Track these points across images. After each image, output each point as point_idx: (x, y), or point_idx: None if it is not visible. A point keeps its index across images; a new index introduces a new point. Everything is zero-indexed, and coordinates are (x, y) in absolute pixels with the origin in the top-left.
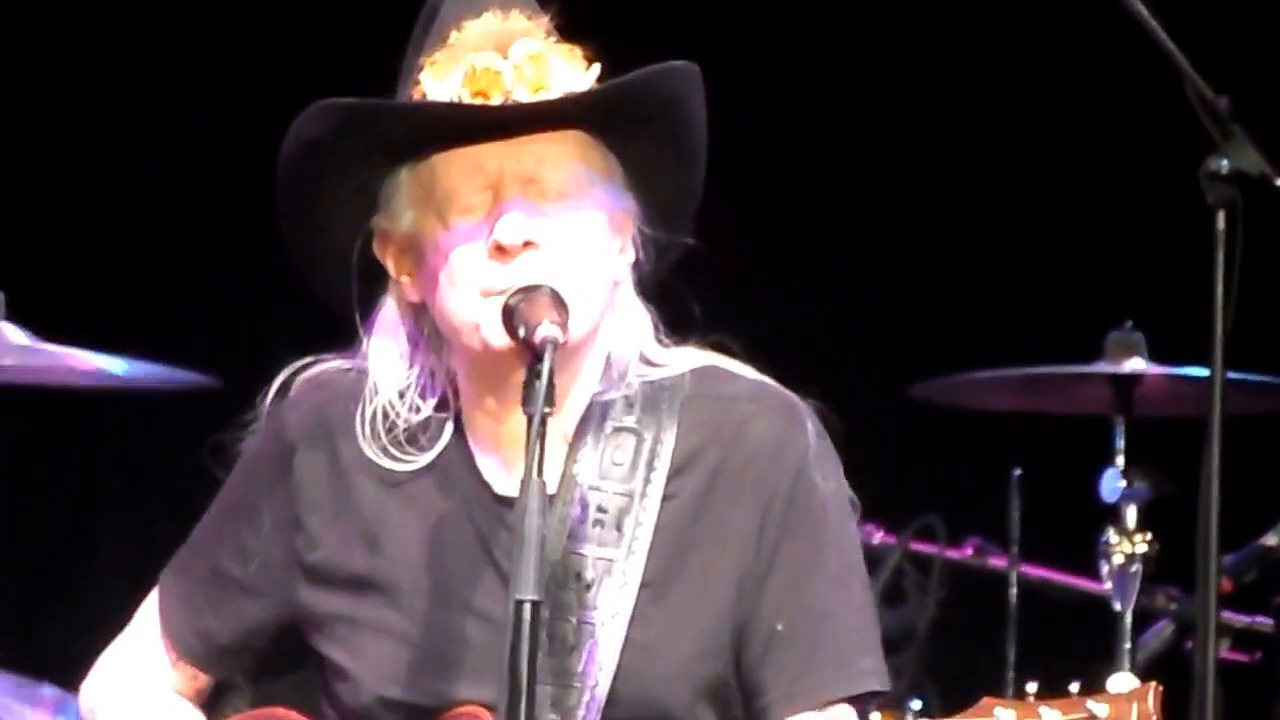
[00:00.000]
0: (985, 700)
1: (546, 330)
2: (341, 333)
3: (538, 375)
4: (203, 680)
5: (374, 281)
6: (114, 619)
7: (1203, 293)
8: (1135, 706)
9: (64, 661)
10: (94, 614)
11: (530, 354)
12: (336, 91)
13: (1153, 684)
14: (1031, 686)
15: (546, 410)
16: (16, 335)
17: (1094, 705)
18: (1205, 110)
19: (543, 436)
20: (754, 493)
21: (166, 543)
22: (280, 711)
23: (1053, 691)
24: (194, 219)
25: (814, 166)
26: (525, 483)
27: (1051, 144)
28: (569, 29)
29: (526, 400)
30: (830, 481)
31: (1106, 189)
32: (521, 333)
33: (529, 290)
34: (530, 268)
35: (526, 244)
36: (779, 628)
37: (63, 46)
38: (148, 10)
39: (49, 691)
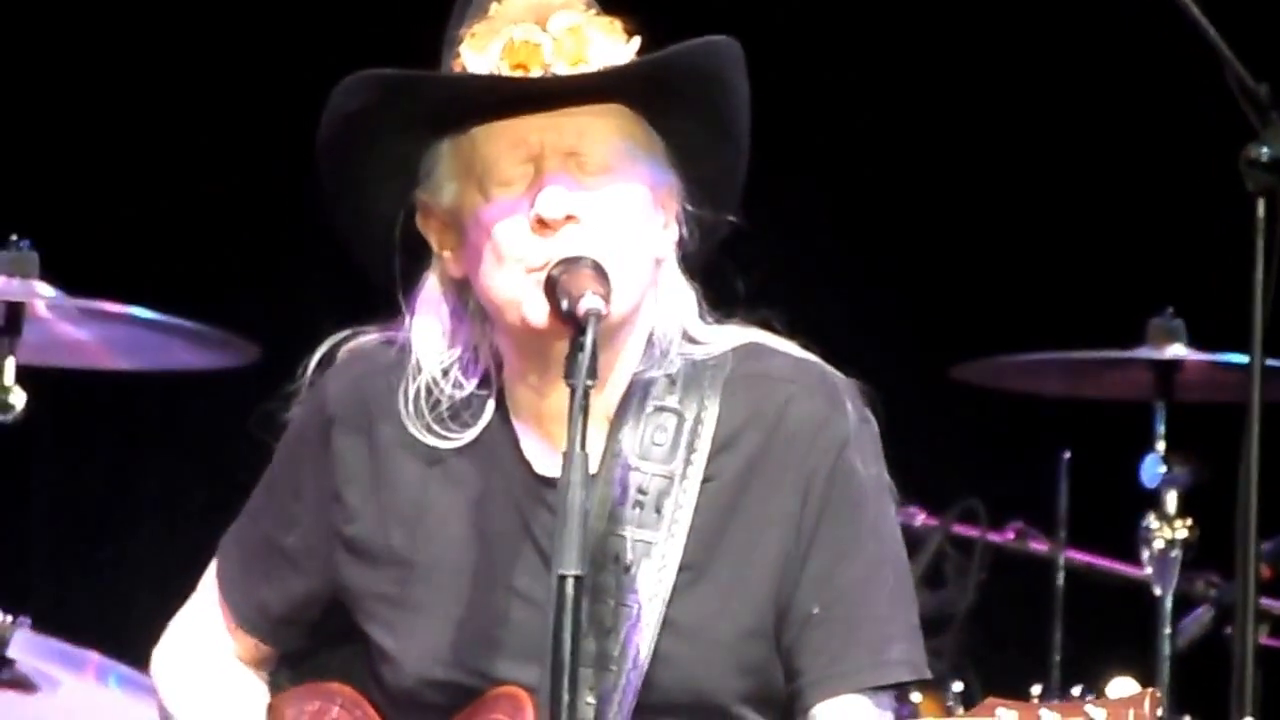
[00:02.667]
0: (989, 700)
1: (589, 302)
2: (384, 303)
3: (580, 347)
4: (264, 650)
5: (418, 256)
6: (153, 585)
7: (1242, 279)
8: (1132, 712)
9: (105, 627)
10: (134, 580)
11: (573, 326)
12: (379, 57)
13: (1150, 690)
14: (1035, 689)
15: (589, 383)
16: (49, 293)
17: (1092, 710)
18: (1246, 97)
19: (585, 409)
20: (794, 475)
21: (204, 511)
22: (333, 685)
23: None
24: (234, 187)
25: (859, 147)
26: (568, 456)
27: (1094, 130)
28: (610, 1)
29: (569, 372)
30: (870, 467)
31: (1148, 176)
32: (564, 305)
33: (571, 261)
34: (572, 242)
35: (568, 218)
36: (815, 611)
37: (102, 8)
38: None
39: (91, 656)
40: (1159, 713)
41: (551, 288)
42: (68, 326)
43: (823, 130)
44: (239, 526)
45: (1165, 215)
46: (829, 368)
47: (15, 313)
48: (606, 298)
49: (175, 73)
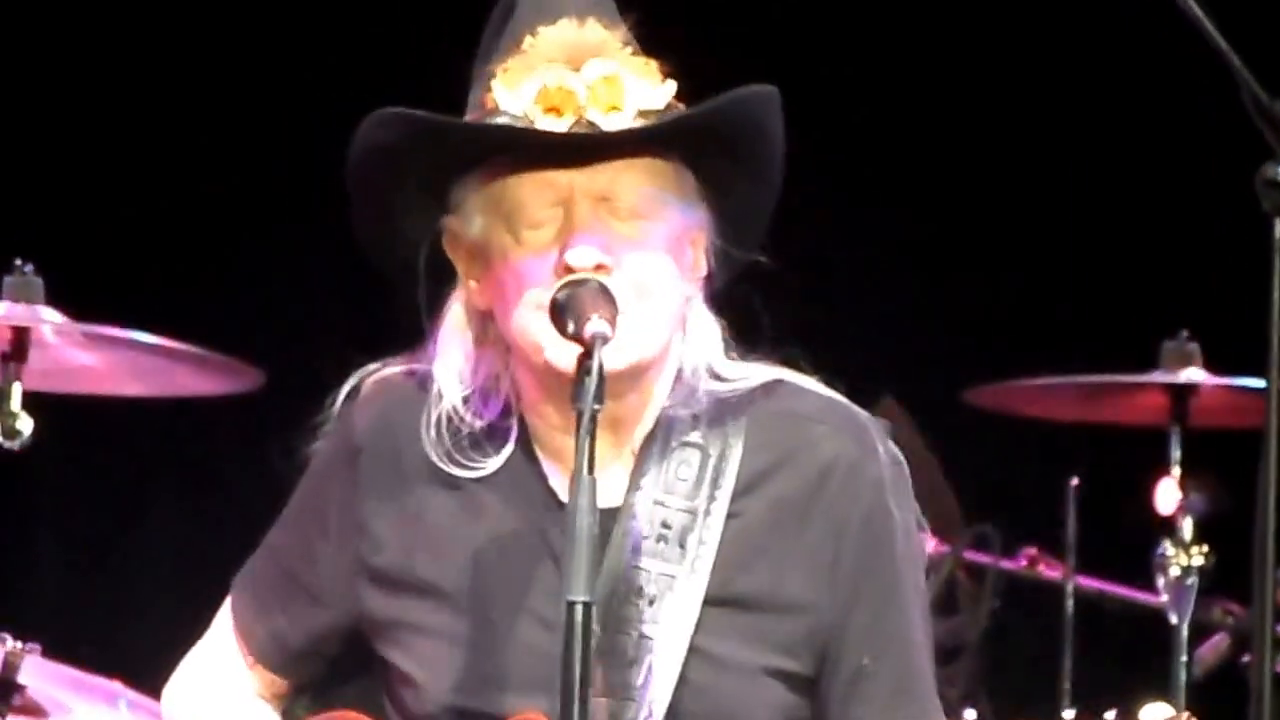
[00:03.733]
0: None
1: (595, 326)
2: (391, 329)
3: (587, 371)
4: (280, 685)
5: (442, 275)
6: (161, 609)
7: (1259, 301)
8: None
9: (114, 653)
10: (142, 605)
11: (581, 350)
12: (391, 82)
13: (1185, 714)
14: (1069, 714)
15: (596, 406)
16: (55, 318)
17: None
18: (1262, 116)
19: (592, 434)
20: (825, 518)
21: (212, 535)
22: (351, 715)
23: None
24: (239, 212)
25: (873, 170)
26: (575, 480)
27: (1108, 151)
28: (646, 35)
29: (576, 396)
30: (905, 511)
31: (1162, 197)
32: (570, 328)
33: (576, 284)
34: None
35: (599, 267)
36: (865, 662)
37: (106, 29)
38: None
39: (101, 681)
40: None
41: (557, 310)
42: (74, 352)
43: (836, 153)
44: (257, 561)
45: (1180, 236)
46: (856, 407)
47: (21, 338)
48: (612, 320)
49: (182, 97)
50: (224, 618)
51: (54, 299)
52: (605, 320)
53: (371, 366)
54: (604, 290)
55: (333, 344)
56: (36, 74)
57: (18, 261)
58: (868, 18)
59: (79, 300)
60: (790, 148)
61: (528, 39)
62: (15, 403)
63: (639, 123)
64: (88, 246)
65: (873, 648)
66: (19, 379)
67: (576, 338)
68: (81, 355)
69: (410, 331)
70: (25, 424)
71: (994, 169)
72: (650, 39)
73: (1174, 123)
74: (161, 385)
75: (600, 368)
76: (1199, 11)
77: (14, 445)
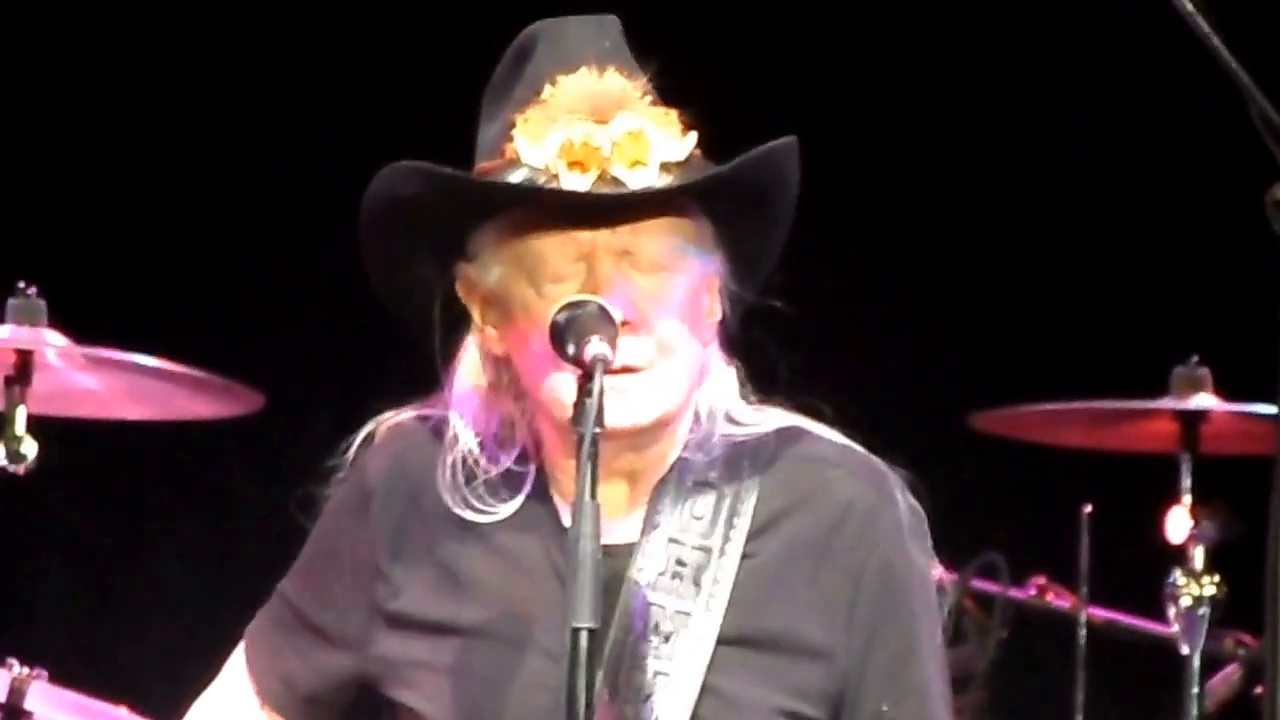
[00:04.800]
0: None
1: (595, 348)
2: (393, 355)
3: (589, 394)
4: None
5: (454, 323)
6: (166, 634)
7: (1271, 326)
8: None
9: (120, 679)
10: (147, 629)
11: (580, 372)
12: (397, 106)
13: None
14: None
15: (597, 430)
16: (58, 341)
17: None
18: (1272, 135)
19: (594, 458)
20: (842, 561)
21: (215, 559)
22: None
23: None
24: (242, 237)
25: (875, 193)
26: (577, 506)
27: (1118, 175)
28: (664, 86)
29: (577, 419)
30: (923, 556)
31: (1173, 221)
32: (570, 350)
33: (575, 306)
34: (626, 349)
35: (625, 324)
36: (885, 709)
37: (106, 48)
38: (196, 10)
39: (107, 708)
40: None
41: (557, 332)
42: (76, 375)
43: (836, 176)
44: (271, 606)
45: (1190, 261)
46: (873, 456)
47: (25, 361)
48: (613, 342)
49: (185, 120)
50: (237, 660)
51: (57, 322)
52: (605, 342)
53: (387, 414)
54: (603, 312)
55: (333, 367)
56: (40, 96)
57: (21, 284)
58: (871, 52)
59: (82, 323)
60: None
61: (547, 88)
62: (20, 426)
63: (664, 177)
64: (90, 269)
65: (891, 695)
66: (24, 402)
67: (576, 360)
68: (84, 378)
69: (415, 365)
70: (30, 447)
71: (1002, 193)
72: (670, 88)
73: (1184, 145)
74: (163, 408)
75: (601, 391)
76: (1208, 29)
77: (19, 469)
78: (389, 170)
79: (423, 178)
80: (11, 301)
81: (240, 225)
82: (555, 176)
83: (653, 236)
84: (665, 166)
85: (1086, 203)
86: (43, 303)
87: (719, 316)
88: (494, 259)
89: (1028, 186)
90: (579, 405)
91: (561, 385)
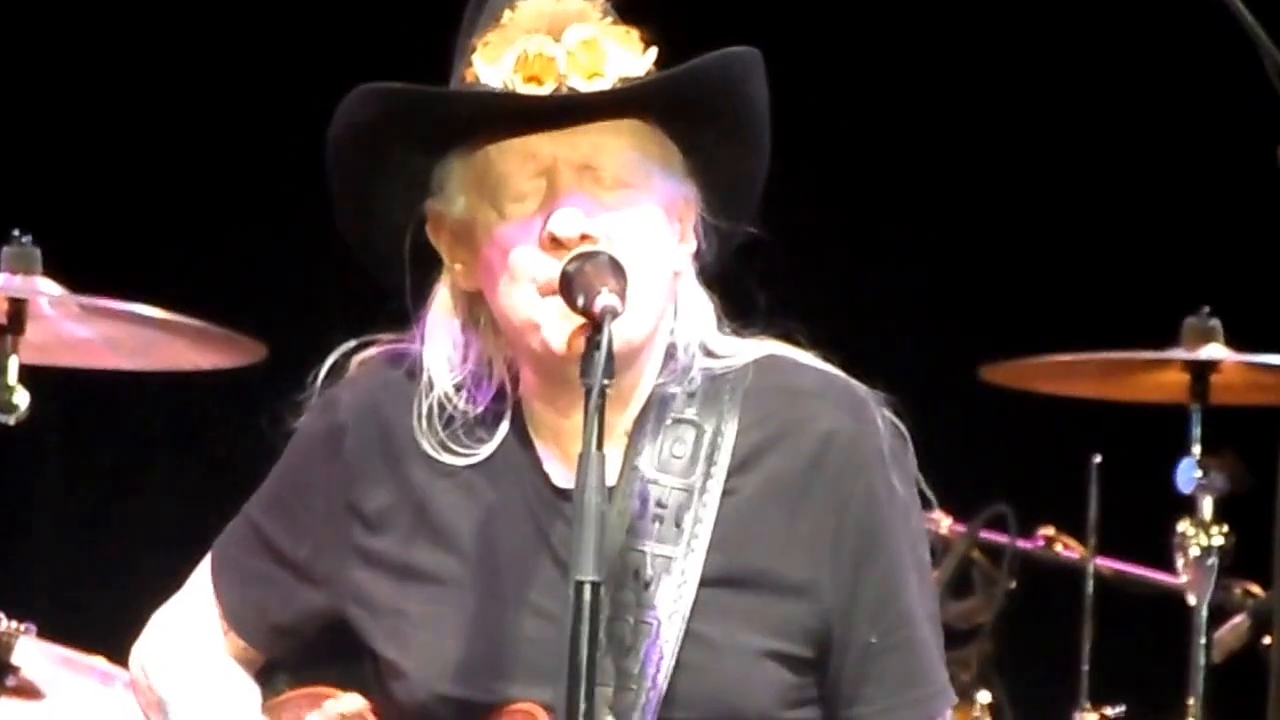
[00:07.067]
0: None
1: (605, 299)
2: (394, 304)
3: (597, 345)
4: (253, 654)
5: (427, 264)
6: (158, 590)
7: None
8: None
9: (109, 633)
10: (140, 583)
11: (589, 323)
12: (390, 57)
13: None
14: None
15: (606, 382)
16: (53, 289)
17: None
18: None
19: (601, 409)
20: (825, 495)
21: (211, 512)
22: (335, 690)
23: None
24: (241, 184)
25: (885, 144)
26: (584, 457)
27: (1128, 125)
28: (626, 6)
29: (585, 371)
30: (907, 484)
31: (1183, 171)
32: (580, 301)
33: (586, 256)
34: None
35: (583, 237)
36: (873, 640)
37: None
38: None
39: (97, 662)
40: None
41: (567, 283)
42: (71, 324)
43: (846, 129)
44: (239, 531)
45: (1201, 212)
46: (854, 381)
47: (18, 310)
48: (622, 294)
49: (181, 69)
50: (201, 581)
51: (51, 270)
52: (615, 294)
53: (353, 343)
54: (614, 263)
55: (336, 317)
56: (34, 44)
57: (15, 232)
58: None
59: (77, 272)
60: (796, 116)
61: (506, 13)
62: (12, 376)
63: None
64: (86, 217)
65: (879, 627)
66: (15, 352)
67: (586, 311)
68: (78, 328)
69: (408, 309)
70: (22, 398)
71: (1014, 144)
72: (630, 12)
73: (1196, 97)
74: (161, 359)
75: (610, 342)
76: None
77: (10, 420)
78: (347, 98)
79: (379, 97)
80: (5, 249)
81: (240, 174)
82: (513, 92)
83: (613, 149)
84: (625, 81)
85: (1098, 154)
86: (37, 250)
87: (693, 247)
88: (458, 188)
89: (1039, 137)
90: (586, 356)
91: (530, 307)
